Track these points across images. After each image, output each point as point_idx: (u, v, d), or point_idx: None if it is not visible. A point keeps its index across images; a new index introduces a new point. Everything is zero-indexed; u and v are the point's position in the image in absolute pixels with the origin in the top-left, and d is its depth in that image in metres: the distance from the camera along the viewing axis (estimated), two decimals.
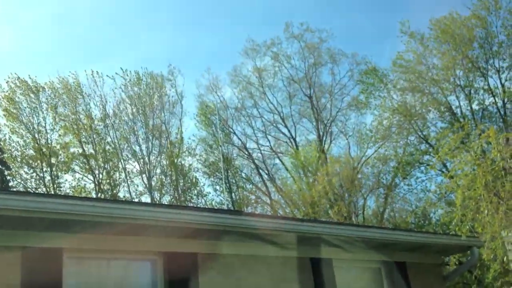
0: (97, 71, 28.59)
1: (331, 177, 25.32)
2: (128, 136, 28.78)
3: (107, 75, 28.92)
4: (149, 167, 28.54)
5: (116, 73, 29.13)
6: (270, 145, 32.97)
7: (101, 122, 28.57)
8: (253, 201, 31.40)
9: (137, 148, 28.81)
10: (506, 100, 25.54)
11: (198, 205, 28.20)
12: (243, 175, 32.45)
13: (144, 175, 28.56)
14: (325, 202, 25.64)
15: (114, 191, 27.43)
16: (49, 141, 27.31)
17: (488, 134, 11.74)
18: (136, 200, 26.85)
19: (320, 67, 33.02)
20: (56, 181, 27.21)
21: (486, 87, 25.79)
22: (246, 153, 32.53)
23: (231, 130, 32.65)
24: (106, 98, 28.67)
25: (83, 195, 26.15)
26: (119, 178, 28.40)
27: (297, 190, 28.69)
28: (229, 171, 31.03)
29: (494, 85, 25.69)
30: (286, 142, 32.96)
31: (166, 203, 26.67)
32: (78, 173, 27.81)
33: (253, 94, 33.42)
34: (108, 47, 39.06)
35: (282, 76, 33.26)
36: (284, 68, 33.20)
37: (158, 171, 29.20)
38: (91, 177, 27.79)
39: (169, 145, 29.36)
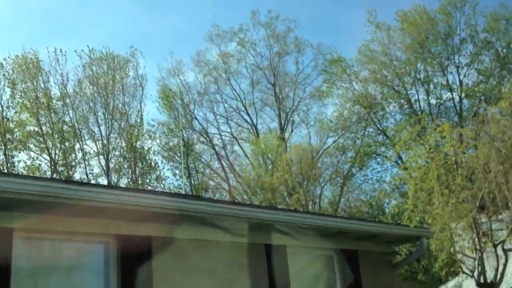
0: (60, 49, 28.01)
1: (291, 165, 25.56)
2: (87, 117, 28.31)
3: (75, 51, 28.39)
4: (108, 149, 28.17)
5: (82, 50, 28.62)
6: (231, 131, 33.04)
7: (59, 101, 27.97)
8: (212, 187, 31.46)
9: (96, 129, 28.39)
10: (463, 96, 26.21)
11: (156, 189, 28.01)
12: (203, 160, 32.44)
13: (102, 157, 28.19)
14: (284, 189, 25.87)
15: (70, 172, 26.98)
16: (4, 118, 26.62)
17: (442, 128, 12.06)
18: (93, 182, 26.48)
19: (285, 56, 33.21)
20: (10, 160, 26.59)
21: (444, 82, 26.40)
22: (207, 138, 32.49)
23: (193, 115, 32.55)
24: (68, 77, 28.13)
25: (38, 175, 25.63)
26: (76, 159, 27.93)
27: (255, 177, 28.84)
28: (189, 156, 30.91)
29: (453, 81, 26.33)
30: (248, 129, 33.10)
31: (123, 186, 26.41)
32: (33, 152, 27.25)
33: (217, 80, 33.37)
34: (68, 25, 38.19)
35: (246, 63, 33.31)
36: (249, 55, 33.25)
37: (117, 153, 28.86)
38: (47, 157, 27.27)
39: (128, 128, 28.98)
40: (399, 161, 23.44)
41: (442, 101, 26.73)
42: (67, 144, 27.59)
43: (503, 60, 25.49)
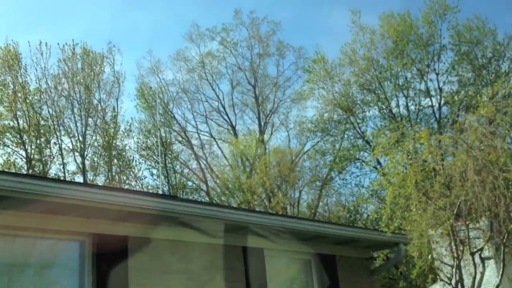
0: (46, 43, 27.66)
1: (270, 168, 25.49)
2: (63, 112, 27.87)
3: (58, 43, 28.09)
4: (83, 145, 27.78)
5: (66, 43, 28.28)
6: (210, 132, 32.89)
7: (37, 94, 27.52)
8: (190, 187, 31.24)
9: (72, 126, 27.97)
10: (442, 103, 26.44)
11: (134, 188, 27.72)
12: (181, 160, 32.22)
13: (78, 154, 27.80)
14: (262, 192, 25.80)
15: (46, 169, 26.55)
16: None
17: (420, 135, 12.11)
18: (69, 179, 26.11)
19: (266, 57, 33.18)
20: None
21: (424, 88, 26.60)
22: (185, 138, 32.29)
23: (171, 114, 32.31)
24: (48, 70, 27.70)
25: (13, 170, 25.16)
26: (52, 155, 27.49)
27: (234, 179, 28.73)
28: (166, 156, 30.68)
29: (432, 87, 26.53)
30: (228, 129, 32.97)
31: (99, 184, 26.09)
32: (9, 147, 26.76)
33: (196, 79, 33.21)
34: (45, 18, 37.69)
35: (227, 63, 33.19)
36: (231, 55, 33.15)
37: (93, 150, 28.48)
38: (23, 153, 26.81)
39: (104, 125, 28.64)
40: (378, 166, 23.52)
41: (421, 108, 26.93)
42: (43, 139, 27.15)
43: (479, 70, 25.80)
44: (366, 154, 27.11)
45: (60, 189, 5.91)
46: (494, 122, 11.82)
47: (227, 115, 32.96)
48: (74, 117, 27.87)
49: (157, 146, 29.41)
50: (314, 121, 28.98)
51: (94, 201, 6.15)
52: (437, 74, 26.31)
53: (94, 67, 29.22)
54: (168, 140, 31.60)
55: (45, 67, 27.56)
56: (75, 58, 28.66)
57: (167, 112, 32.10)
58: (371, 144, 25.40)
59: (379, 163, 23.84)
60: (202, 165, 31.70)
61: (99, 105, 28.84)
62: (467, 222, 10.61)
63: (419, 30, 26.21)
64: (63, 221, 6.36)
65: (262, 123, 32.24)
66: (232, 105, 32.97)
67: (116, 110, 29.37)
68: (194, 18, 40.47)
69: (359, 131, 27.54)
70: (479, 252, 11.15)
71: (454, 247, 10.74)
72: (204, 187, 31.12)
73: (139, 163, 29.91)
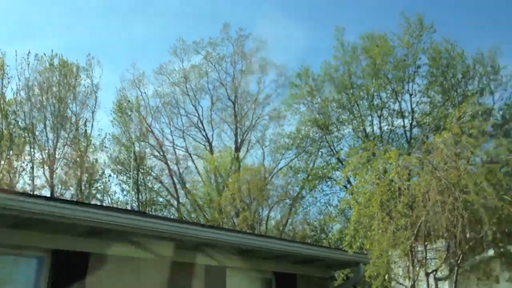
0: (38, 53, 27.50)
1: (241, 185, 25.51)
2: (36, 124, 27.53)
3: (36, 54, 27.80)
4: (53, 158, 27.39)
5: (45, 54, 28.05)
6: (186, 147, 32.80)
7: (11, 105, 27.18)
8: (160, 203, 31.06)
9: (43, 138, 27.60)
10: (413, 124, 26.88)
11: (103, 203, 27.41)
12: (153, 175, 32.02)
13: (47, 167, 27.35)
14: (232, 209, 25.77)
15: (12, 182, 26.08)
16: None
17: (389, 155, 12.34)
18: (36, 192, 25.68)
19: (249, 74, 33.31)
20: None
21: (397, 109, 27.02)
22: (160, 152, 32.16)
23: (149, 128, 32.16)
24: (28, 81, 27.44)
25: None
26: (20, 167, 27.00)
27: (205, 195, 28.67)
28: (139, 171, 30.47)
29: (405, 108, 26.97)
30: (204, 145, 32.88)
31: (63, 198, 25.70)
32: None
33: (177, 94, 33.13)
34: (25, 29, 37.37)
35: (209, 78, 33.22)
36: (214, 70, 33.16)
37: (64, 163, 28.10)
38: None
39: (77, 139, 28.34)
40: (348, 185, 23.75)
41: (393, 128, 27.34)
42: (12, 151, 26.71)
43: (448, 92, 26.32)
44: (338, 173, 27.39)
45: (18, 202, 5.83)
46: (459, 143, 12.11)
47: (204, 130, 32.96)
48: (46, 129, 27.56)
49: (130, 161, 29.17)
50: (291, 136, 29.18)
51: (60, 216, 6.08)
52: (410, 95, 26.78)
53: (70, 79, 28.98)
54: (142, 155, 31.42)
55: (29, 77, 27.39)
56: (52, 70, 28.42)
57: (144, 126, 31.97)
58: (343, 163, 25.69)
59: (349, 182, 24.07)
60: (176, 181, 31.58)
61: (73, 118, 28.60)
62: (425, 243, 10.81)
63: (397, 51, 26.67)
64: (22, 236, 6.31)
65: (239, 140, 32.27)
66: (211, 121, 33.00)
67: (91, 123, 29.16)
68: (180, 33, 40.17)
69: (334, 149, 27.81)
70: (433, 273, 11.32)
71: (411, 267, 10.91)
72: (175, 203, 30.98)
73: (109, 175, 29.65)
